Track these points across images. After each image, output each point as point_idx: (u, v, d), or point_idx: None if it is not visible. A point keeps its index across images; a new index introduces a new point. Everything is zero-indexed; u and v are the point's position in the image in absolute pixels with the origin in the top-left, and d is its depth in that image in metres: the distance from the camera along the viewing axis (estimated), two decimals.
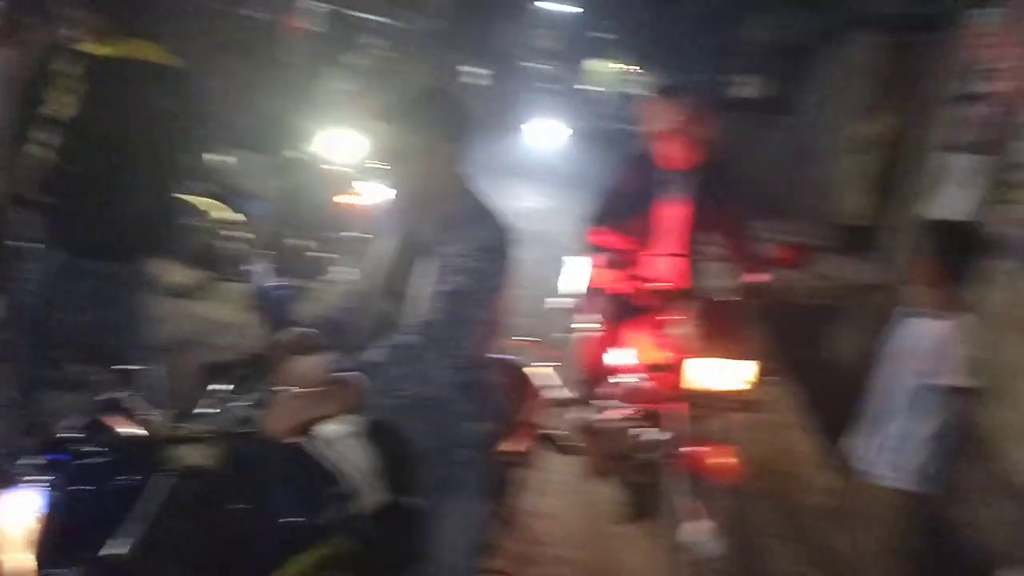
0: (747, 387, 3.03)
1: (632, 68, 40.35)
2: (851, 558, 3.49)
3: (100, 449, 1.59)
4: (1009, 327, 4.01)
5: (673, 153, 3.54)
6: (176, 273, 5.05)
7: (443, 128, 2.22)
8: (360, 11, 17.50)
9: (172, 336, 4.33)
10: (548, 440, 3.62)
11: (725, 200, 3.65)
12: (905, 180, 7.20)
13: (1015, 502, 3.98)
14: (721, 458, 2.96)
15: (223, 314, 4.92)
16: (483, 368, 2.30)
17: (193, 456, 1.69)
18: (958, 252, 2.99)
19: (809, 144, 11.61)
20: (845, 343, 6.27)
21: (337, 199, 5.49)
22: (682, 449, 2.97)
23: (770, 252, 3.55)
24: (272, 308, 2.54)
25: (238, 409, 1.83)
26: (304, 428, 1.73)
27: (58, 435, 1.63)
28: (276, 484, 1.77)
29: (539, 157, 14.98)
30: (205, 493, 1.66)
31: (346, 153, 5.84)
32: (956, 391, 2.96)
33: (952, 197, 5.99)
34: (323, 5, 16.80)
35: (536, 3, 29.33)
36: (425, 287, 2.12)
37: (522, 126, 16.00)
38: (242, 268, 4.94)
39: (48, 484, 1.54)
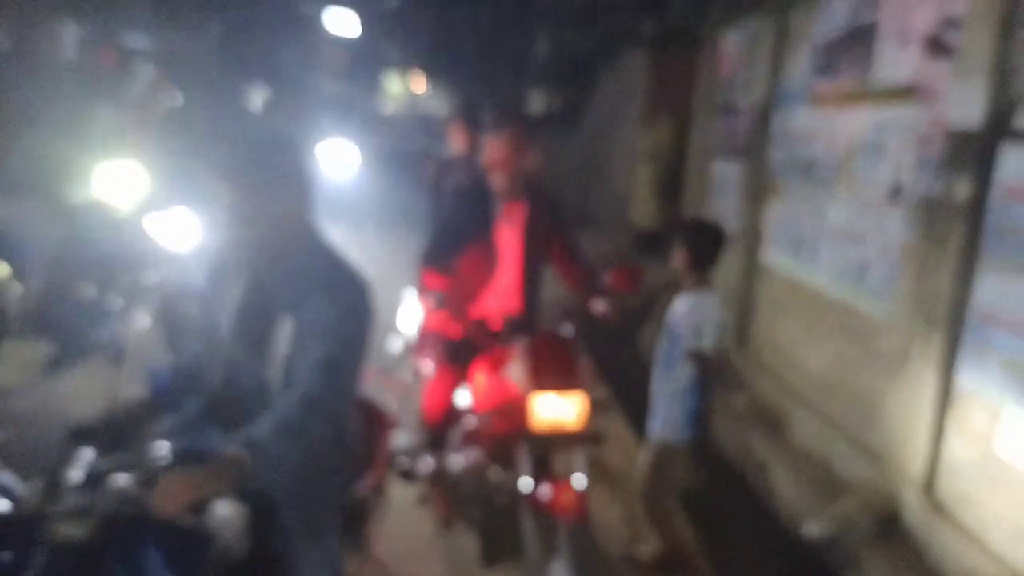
0: (584, 419, 3.02)
1: (426, 85, 40.84)
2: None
3: None
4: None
5: (502, 182, 3.47)
6: None
7: (290, 177, 2.09)
8: (128, 33, 16.51)
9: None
10: (399, 471, 3.58)
11: (555, 225, 3.63)
12: (683, 186, 7.81)
13: (799, 466, 4.50)
14: (569, 494, 2.94)
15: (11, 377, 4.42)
16: (348, 419, 2.25)
17: (69, 530, 1.62)
18: (709, 244, 3.50)
19: (598, 156, 12.30)
20: (649, 340, 6.69)
21: (132, 240, 5.05)
22: (531, 489, 2.91)
23: (606, 278, 3.54)
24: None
25: (115, 480, 1.74)
26: (192, 506, 1.69)
27: None
28: (150, 553, 1.68)
29: (336, 183, 14.18)
30: (80, 567, 1.60)
31: (130, 190, 5.39)
32: (697, 351, 3.37)
33: (718, 200, 6.60)
34: (82, 29, 15.72)
35: (322, 21, 28.87)
36: (290, 348, 2.05)
37: (315, 148, 15.06)
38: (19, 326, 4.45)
39: None
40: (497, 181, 3.51)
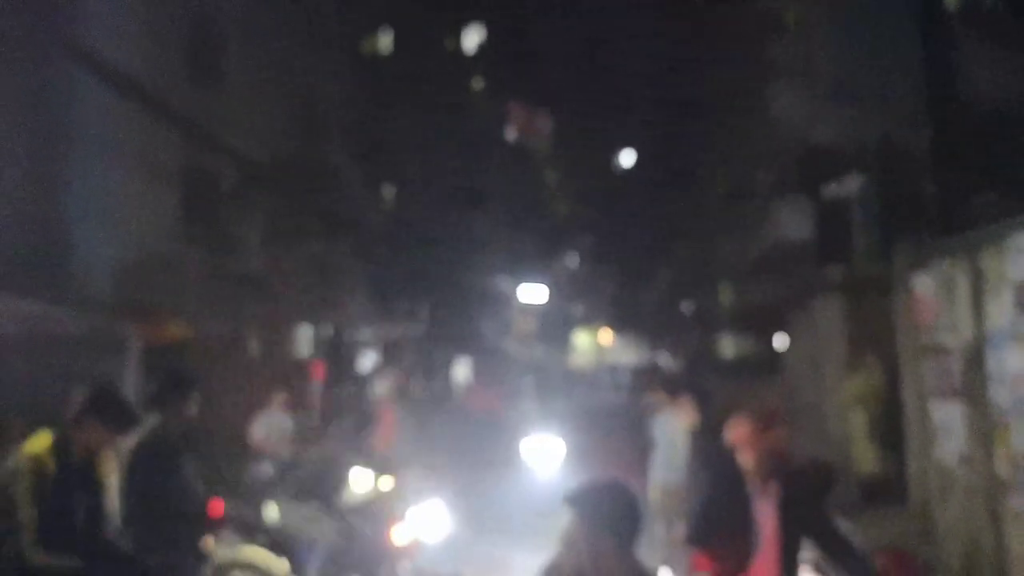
0: None
1: (613, 337, 42.28)
2: None
3: None
4: None
5: (750, 461, 3.34)
6: None
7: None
8: (349, 321, 18.86)
9: None
10: None
11: (813, 510, 3.40)
12: (902, 430, 7.53)
13: None
14: None
15: None
16: None
17: None
18: None
19: (802, 403, 12.07)
20: None
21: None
22: None
23: (878, 563, 3.36)
24: None
25: None
26: None
27: None
28: None
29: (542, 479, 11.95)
30: None
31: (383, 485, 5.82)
32: None
33: (944, 443, 6.31)
34: (325, 329, 18.27)
35: (514, 290, 31.43)
36: None
37: (520, 444, 12.92)
38: None
39: None
40: (746, 460, 3.40)
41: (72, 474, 3.55)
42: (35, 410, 9.43)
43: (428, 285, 21.05)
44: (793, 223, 13.14)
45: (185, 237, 12.97)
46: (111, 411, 3.80)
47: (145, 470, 3.88)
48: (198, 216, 13.24)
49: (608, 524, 2.47)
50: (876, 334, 9.18)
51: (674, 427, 6.29)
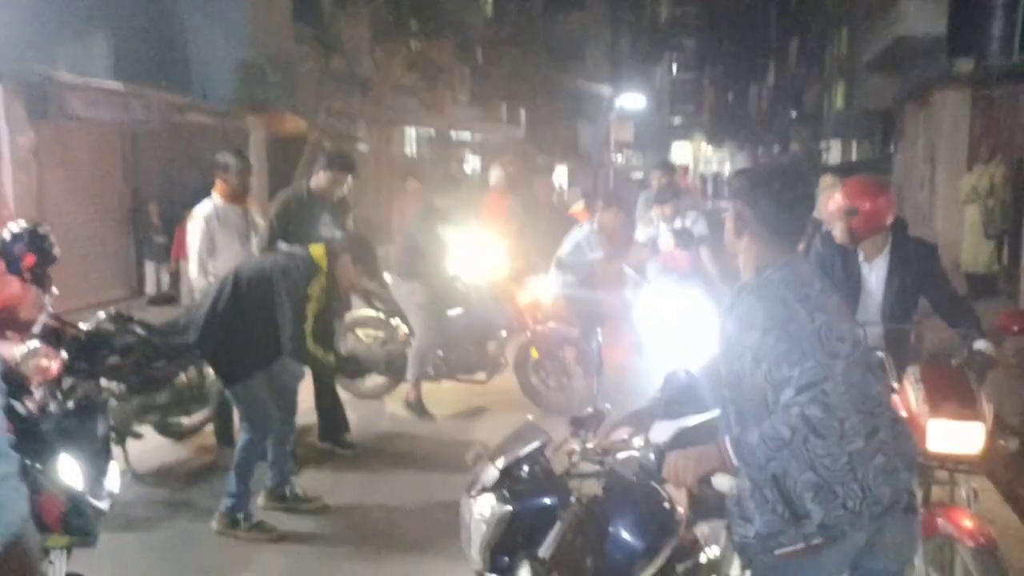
0: (981, 448, 2.88)
1: (710, 146, 41.27)
2: None
3: (535, 481, 2.29)
4: None
5: (840, 233, 3.45)
6: None
7: None
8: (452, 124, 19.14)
9: None
10: None
11: (926, 272, 3.53)
12: (1020, 226, 7.49)
13: None
14: (970, 520, 2.80)
15: None
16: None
17: (589, 487, 2.31)
18: None
19: (914, 202, 11.90)
20: None
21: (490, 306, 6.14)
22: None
23: (996, 319, 3.42)
24: None
25: (626, 454, 2.28)
26: (695, 481, 2.11)
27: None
28: (629, 514, 2.33)
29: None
30: (592, 515, 2.27)
31: (487, 264, 6.42)
32: None
33: None
34: (428, 130, 18.64)
35: (612, 99, 30.73)
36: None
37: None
38: None
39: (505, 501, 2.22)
40: (838, 232, 3.50)
41: None
42: (175, 188, 10.43)
43: (528, 89, 20.86)
44: (921, 16, 12.29)
45: (296, 38, 13.22)
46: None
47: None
48: (308, 18, 13.43)
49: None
50: (1001, 128, 8.88)
51: None
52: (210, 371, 4.60)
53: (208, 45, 11.26)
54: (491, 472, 2.25)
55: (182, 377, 4.94)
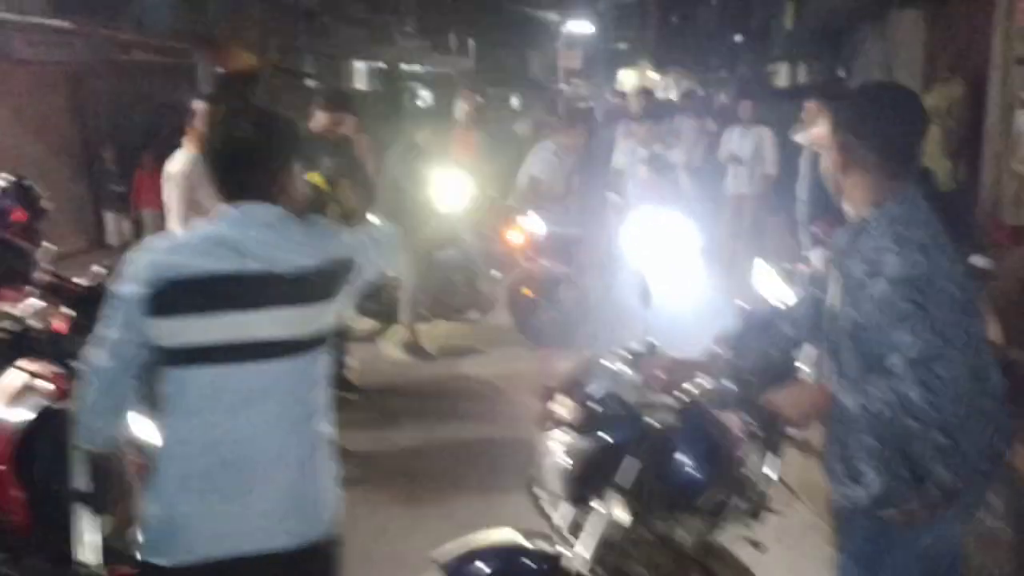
0: None
1: (656, 73, 41.08)
2: None
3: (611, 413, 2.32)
4: None
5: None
6: None
7: None
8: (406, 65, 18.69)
9: None
10: None
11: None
12: (980, 143, 7.69)
13: None
14: None
15: None
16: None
17: (661, 418, 2.31)
18: None
19: None
20: None
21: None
22: None
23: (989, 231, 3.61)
24: None
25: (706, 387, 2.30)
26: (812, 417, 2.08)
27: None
28: (698, 445, 2.36)
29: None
30: (663, 446, 2.32)
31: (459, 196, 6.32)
32: None
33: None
34: (380, 64, 18.16)
35: (559, 27, 30.26)
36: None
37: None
38: None
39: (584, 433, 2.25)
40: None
41: None
42: (127, 131, 10.00)
43: (477, 19, 20.41)
44: None
45: None
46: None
47: None
48: None
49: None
50: (959, 46, 9.02)
51: None
52: None
53: None
54: (570, 407, 2.28)
55: None
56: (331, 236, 1.89)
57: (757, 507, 2.61)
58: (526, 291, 6.10)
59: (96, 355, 1.74)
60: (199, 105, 4.56)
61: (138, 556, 1.79)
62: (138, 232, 9.68)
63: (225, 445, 1.73)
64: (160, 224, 9.48)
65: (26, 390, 2.49)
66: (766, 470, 2.55)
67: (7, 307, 3.55)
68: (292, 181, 1.85)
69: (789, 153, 7.46)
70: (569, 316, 6.04)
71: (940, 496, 1.92)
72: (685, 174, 6.62)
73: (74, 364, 2.50)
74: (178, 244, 1.77)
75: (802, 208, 5.39)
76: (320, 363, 1.84)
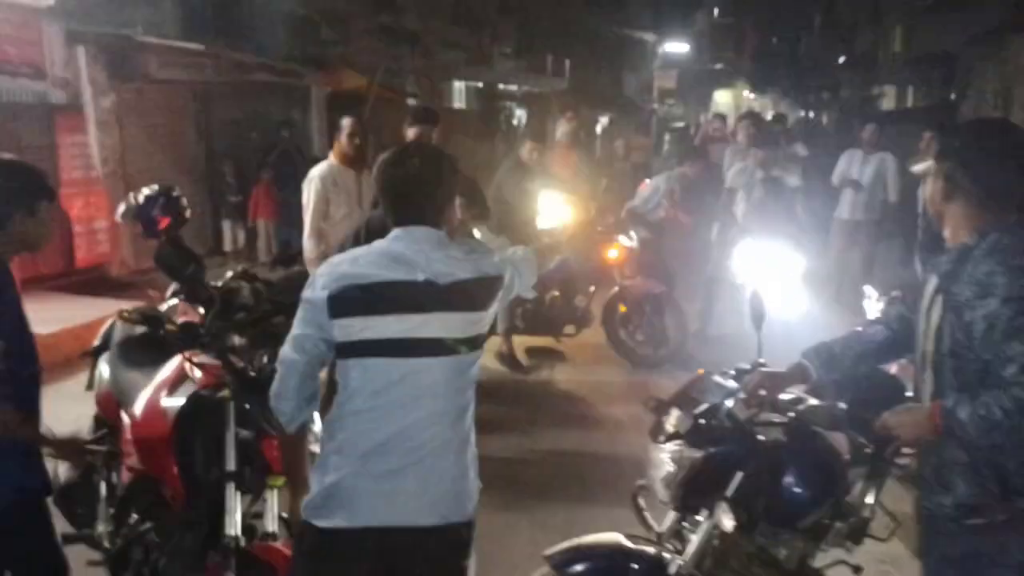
0: None
1: (753, 94, 40.49)
2: None
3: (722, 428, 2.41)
4: None
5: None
6: None
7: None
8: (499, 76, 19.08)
9: None
10: None
11: None
12: None
13: None
14: None
15: None
16: None
17: (771, 434, 2.41)
18: None
19: None
20: None
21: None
22: None
23: None
24: None
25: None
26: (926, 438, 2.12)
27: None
28: (804, 464, 2.41)
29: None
30: (771, 458, 2.39)
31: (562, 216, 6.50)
32: None
33: None
34: (475, 83, 18.64)
35: (655, 47, 30.29)
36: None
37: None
38: None
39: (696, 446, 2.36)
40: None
41: None
42: (244, 147, 10.64)
43: (572, 40, 20.67)
44: None
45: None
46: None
47: None
48: None
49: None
50: None
51: None
52: None
53: (263, 2, 11.34)
54: (684, 420, 2.40)
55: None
56: (485, 255, 2.17)
57: (858, 532, 2.65)
58: (622, 308, 6.21)
59: (286, 351, 2.05)
60: (346, 122, 5.05)
61: (303, 518, 2.05)
62: (251, 240, 10.29)
63: (396, 428, 1.99)
64: (272, 232, 10.13)
65: (183, 378, 2.76)
66: (870, 496, 2.60)
67: (163, 307, 3.92)
68: (452, 210, 2.16)
69: (906, 180, 7.33)
70: (663, 335, 6.11)
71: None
72: (800, 198, 6.57)
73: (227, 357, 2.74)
74: (358, 257, 2.06)
75: (920, 237, 5.34)
76: (474, 366, 2.11)
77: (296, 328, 2.04)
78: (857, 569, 2.64)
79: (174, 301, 4.12)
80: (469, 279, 2.06)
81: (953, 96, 15.25)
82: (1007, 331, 1.89)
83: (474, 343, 2.09)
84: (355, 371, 2.00)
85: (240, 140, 10.89)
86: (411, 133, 5.07)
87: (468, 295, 2.06)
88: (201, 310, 4.40)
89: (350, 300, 1.97)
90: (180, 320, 4.11)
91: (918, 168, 5.77)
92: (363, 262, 2.02)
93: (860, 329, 2.56)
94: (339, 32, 12.68)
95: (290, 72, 11.13)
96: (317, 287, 2.01)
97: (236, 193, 10.16)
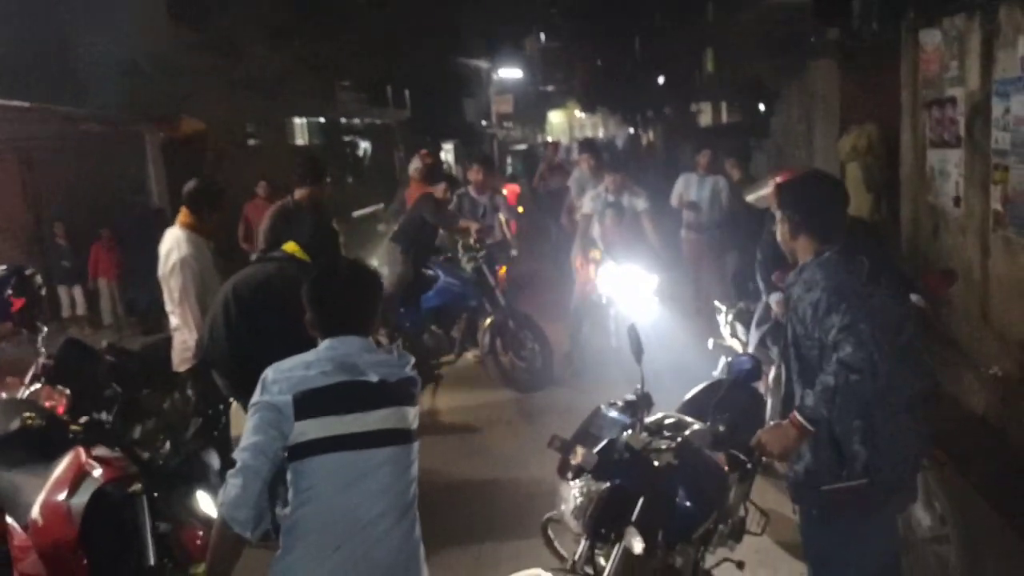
0: None
1: (584, 113, 42.25)
2: None
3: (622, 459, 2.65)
4: None
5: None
6: None
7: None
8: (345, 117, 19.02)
9: None
10: None
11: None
12: (896, 179, 8.37)
13: None
14: None
15: None
16: None
17: (663, 457, 2.66)
18: None
19: (794, 160, 12.85)
20: None
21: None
22: None
23: (925, 281, 3.98)
24: None
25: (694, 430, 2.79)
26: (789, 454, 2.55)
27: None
28: (694, 481, 2.69)
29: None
30: (656, 477, 2.63)
31: None
32: None
33: (939, 185, 7.12)
34: (317, 119, 18.44)
35: (491, 73, 31.08)
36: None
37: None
38: None
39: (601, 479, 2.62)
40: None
41: None
42: (76, 207, 10.01)
43: (411, 71, 20.90)
44: None
45: (175, 36, 12.82)
46: None
47: None
48: (185, 16, 13.05)
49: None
50: (872, 92, 9.79)
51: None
52: (193, 395, 4.59)
53: (86, 51, 10.77)
54: (590, 458, 2.60)
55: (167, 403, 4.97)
56: (405, 359, 2.41)
57: (738, 531, 2.99)
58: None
59: (246, 459, 2.09)
60: (190, 185, 4.60)
61: None
62: (93, 303, 9.69)
63: (353, 517, 2.12)
64: (115, 293, 9.57)
65: (83, 474, 2.68)
66: (744, 498, 2.95)
67: (24, 393, 3.71)
68: (376, 321, 2.37)
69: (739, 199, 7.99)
70: (534, 361, 6.39)
71: (862, 473, 2.47)
72: (647, 219, 6.95)
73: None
74: (309, 362, 2.18)
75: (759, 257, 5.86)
76: (415, 458, 2.30)
77: (253, 435, 2.10)
78: (740, 565, 2.97)
79: (36, 386, 3.92)
80: (404, 378, 2.30)
81: (765, 110, 16.66)
82: (827, 308, 2.42)
83: (412, 433, 2.30)
84: (311, 469, 2.11)
85: (73, 198, 10.25)
86: (300, 194, 4.98)
87: (409, 392, 2.31)
88: (68, 392, 4.19)
89: (312, 402, 2.10)
90: (46, 405, 3.91)
91: (751, 198, 6.36)
92: (315, 369, 2.17)
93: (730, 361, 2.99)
94: (172, 79, 12.24)
95: (122, 121, 10.63)
96: (274, 392, 2.11)
97: (70, 256, 9.55)
